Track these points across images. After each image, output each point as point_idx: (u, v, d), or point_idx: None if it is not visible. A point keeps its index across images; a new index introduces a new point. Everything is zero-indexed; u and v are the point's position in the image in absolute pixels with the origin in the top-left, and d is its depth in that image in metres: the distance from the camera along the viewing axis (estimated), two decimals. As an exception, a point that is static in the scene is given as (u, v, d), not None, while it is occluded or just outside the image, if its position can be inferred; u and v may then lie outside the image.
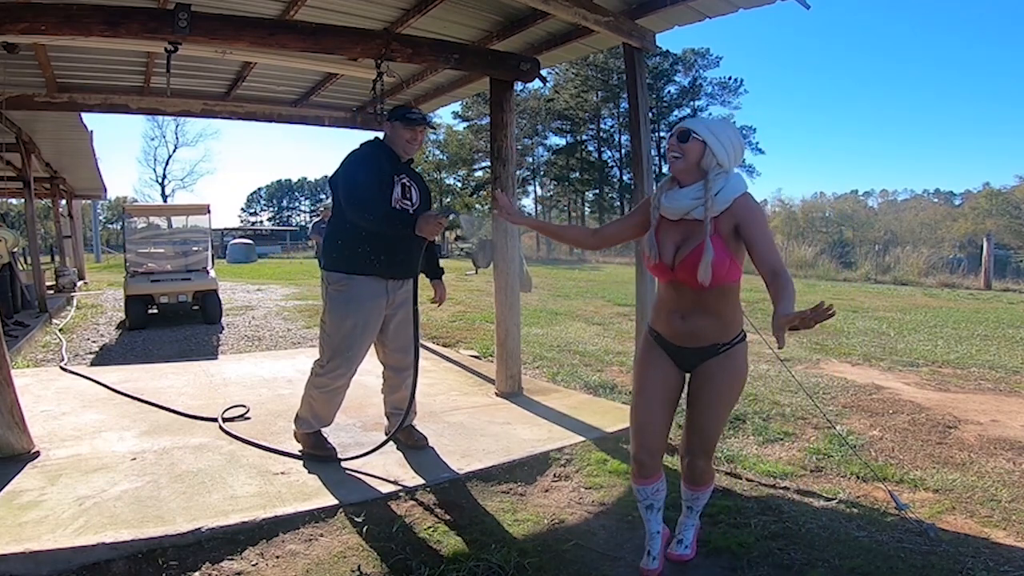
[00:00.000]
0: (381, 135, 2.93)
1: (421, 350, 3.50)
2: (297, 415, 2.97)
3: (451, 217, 3.11)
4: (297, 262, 24.33)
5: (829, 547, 2.19)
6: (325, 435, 2.96)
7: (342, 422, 3.21)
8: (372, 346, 2.96)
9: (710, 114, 36.88)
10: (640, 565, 2.07)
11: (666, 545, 2.15)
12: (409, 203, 2.82)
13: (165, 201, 39.34)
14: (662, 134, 36.80)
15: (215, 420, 3.40)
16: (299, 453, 2.94)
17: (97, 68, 4.48)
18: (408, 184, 2.84)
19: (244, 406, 3.64)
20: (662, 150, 38.30)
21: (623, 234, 2.13)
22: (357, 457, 2.85)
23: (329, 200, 3.07)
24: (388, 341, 2.95)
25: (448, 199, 40.76)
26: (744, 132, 36.90)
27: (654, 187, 2.59)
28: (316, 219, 5.56)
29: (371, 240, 2.72)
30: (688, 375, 2.00)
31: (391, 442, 3.01)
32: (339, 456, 2.88)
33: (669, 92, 36.58)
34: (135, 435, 3.21)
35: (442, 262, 3.37)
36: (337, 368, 2.80)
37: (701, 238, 1.80)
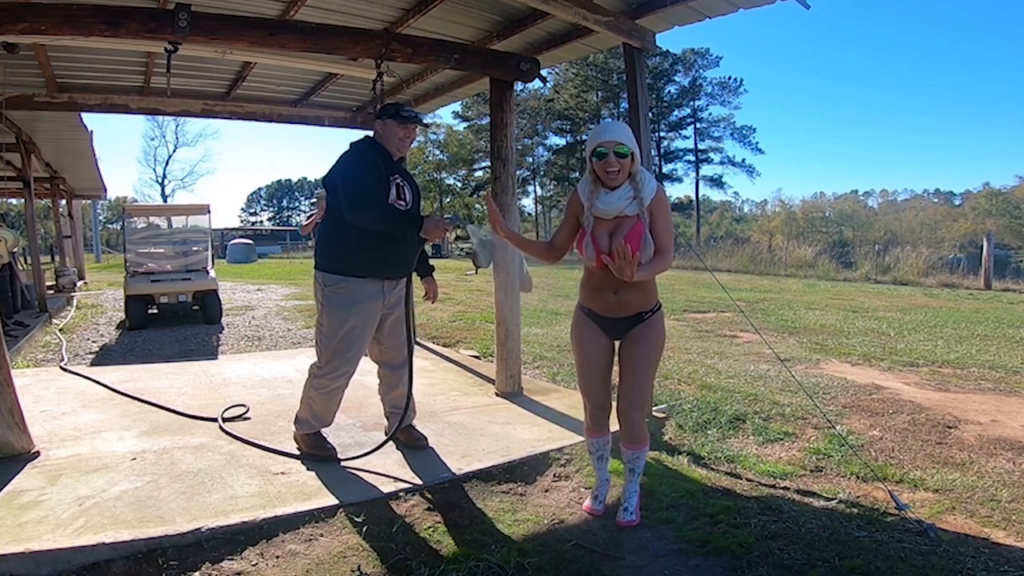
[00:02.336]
0: (371, 133, 2.90)
1: (421, 350, 3.51)
2: (297, 416, 2.97)
3: (457, 225, 3.11)
4: (297, 262, 24.30)
5: (829, 547, 2.19)
6: (325, 435, 2.96)
7: (342, 422, 3.21)
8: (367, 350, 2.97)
9: (710, 114, 37.03)
10: (586, 505, 2.51)
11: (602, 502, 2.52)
12: (404, 203, 2.80)
13: (165, 201, 39.35)
14: (662, 134, 36.89)
15: (215, 420, 3.40)
16: (299, 453, 2.94)
17: (97, 68, 4.48)
18: (401, 184, 2.82)
19: (244, 406, 3.64)
20: (662, 150, 38.31)
21: (569, 242, 2.38)
22: (357, 457, 2.85)
23: (323, 190, 3.04)
24: (383, 339, 2.94)
25: (448, 199, 40.77)
26: (744, 132, 36.98)
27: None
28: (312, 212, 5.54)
29: (370, 242, 2.70)
30: (617, 343, 2.38)
31: (391, 442, 3.01)
32: (339, 456, 2.88)
33: (669, 92, 36.60)
34: (135, 435, 3.21)
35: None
36: (336, 370, 2.80)
37: (629, 227, 2.20)
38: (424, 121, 2.94)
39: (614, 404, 2.43)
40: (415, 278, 3.22)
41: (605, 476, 2.55)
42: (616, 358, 2.41)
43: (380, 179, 2.72)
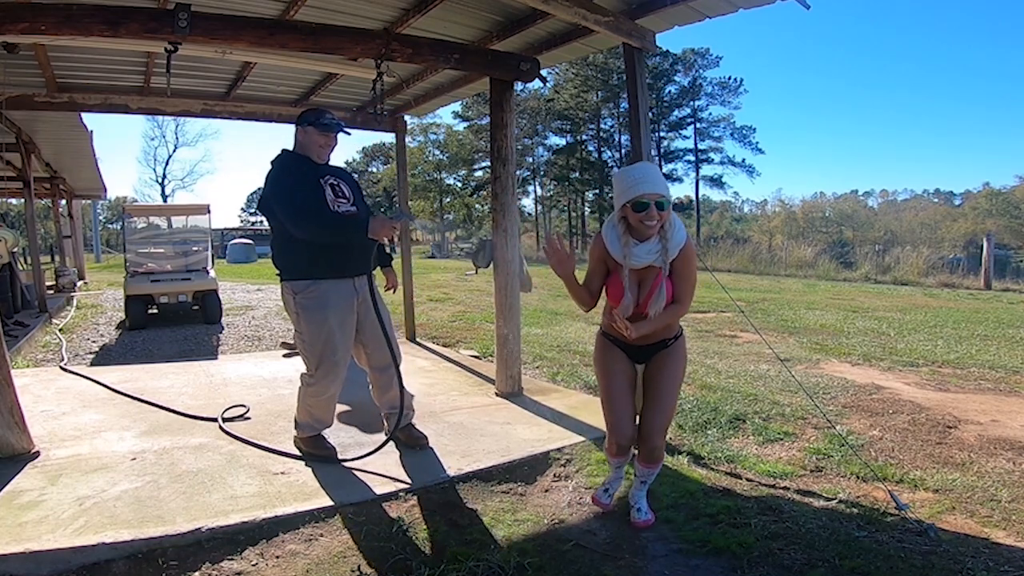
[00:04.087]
0: (291, 146, 2.85)
1: (421, 350, 3.51)
2: (296, 421, 2.96)
3: (404, 220, 3.07)
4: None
5: (829, 547, 2.19)
6: (325, 436, 2.96)
7: (342, 422, 3.22)
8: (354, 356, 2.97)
9: (710, 114, 37.00)
10: (594, 495, 2.53)
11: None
12: (345, 200, 2.78)
13: (165, 201, 39.33)
14: (662, 134, 36.86)
15: (215, 420, 3.40)
16: (299, 453, 2.94)
17: (97, 68, 4.48)
18: (336, 183, 2.80)
19: (244, 406, 3.64)
20: (662, 150, 38.24)
21: (601, 288, 2.33)
22: (358, 458, 2.85)
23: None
24: (365, 342, 2.93)
25: (448, 199, 40.74)
26: (744, 132, 36.93)
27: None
28: None
29: (324, 244, 2.68)
30: (640, 367, 2.35)
31: (391, 442, 3.02)
32: (339, 456, 2.88)
33: (669, 92, 36.55)
34: (135, 435, 3.21)
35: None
36: (327, 375, 2.78)
37: (654, 277, 2.19)
38: (345, 129, 2.87)
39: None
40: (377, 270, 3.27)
41: (620, 474, 2.53)
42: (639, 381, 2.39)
43: (312, 186, 2.69)
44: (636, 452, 2.41)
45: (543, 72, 4.11)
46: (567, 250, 2.20)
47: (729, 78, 36.41)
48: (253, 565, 2.09)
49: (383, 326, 2.82)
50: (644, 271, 2.21)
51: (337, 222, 2.68)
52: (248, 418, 3.51)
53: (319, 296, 2.73)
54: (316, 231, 2.60)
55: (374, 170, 46.56)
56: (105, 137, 28.64)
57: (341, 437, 3.12)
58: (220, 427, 3.29)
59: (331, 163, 2.91)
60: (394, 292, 3.43)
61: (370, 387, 3.09)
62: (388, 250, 3.55)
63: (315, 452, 2.89)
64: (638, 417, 2.36)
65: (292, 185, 2.66)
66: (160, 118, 38.60)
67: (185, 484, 2.58)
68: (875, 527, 2.36)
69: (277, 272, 2.84)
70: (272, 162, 2.79)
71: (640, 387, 2.36)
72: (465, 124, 38.24)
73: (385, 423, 3.13)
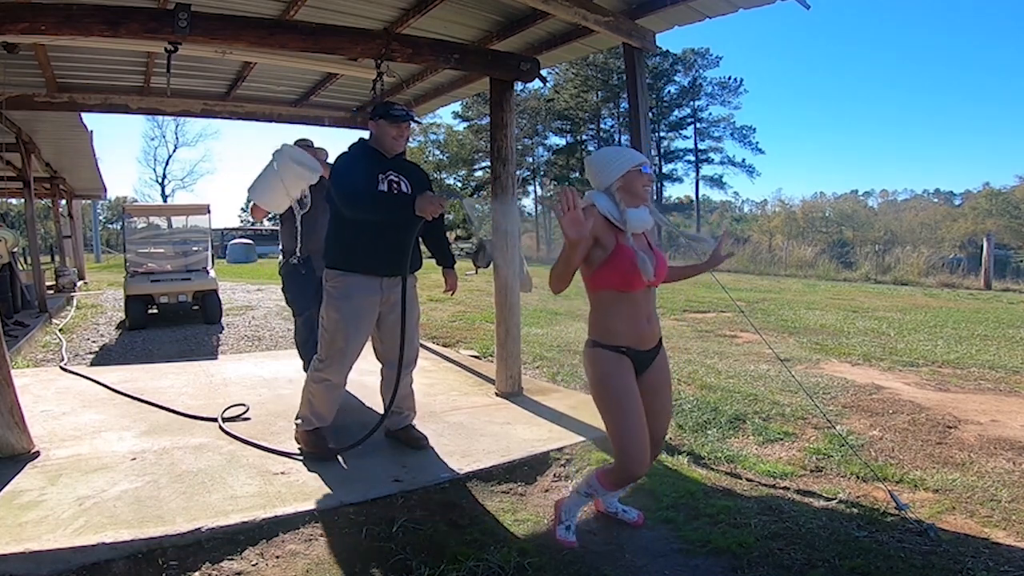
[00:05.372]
0: (367, 135, 2.94)
1: (421, 350, 3.51)
2: (298, 414, 2.98)
3: (452, 200, 3.05)
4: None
5: (829, 547, 2.19)
6: (325, 434, 2.96)
7: (343, 422, 3.21)
8: (371, 345, 2.98)
9: (710, 114, 36.99)
10: (560, 539, 2.25)
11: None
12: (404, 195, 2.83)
13: (165, 201, 39.32)
14: (662, 134, 36.85)
15: (215, 420, 3.40)
16: (299, 453, 2.94)
17: (97, 68, 4.48)
18: (396, 179, 2.84)
19: (244, 405, 3.64)
20: (662, 150, 38.20)
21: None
22: (352, 447, 2.85)
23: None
24: (384, 337, 2.96)
25: (448, 199, 40.66)
26: (744, 132, 36.93)
27: (653, 187, 2.60)
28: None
29: (368, 237, 2.73)
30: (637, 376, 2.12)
31: (391, 442, 3.01)
32: (338, 451, 2.89)
33: (669, 92, 36.55)
34: (135, 435, 3.21)
35: (433, 261, 3.37)
36: (332, 364, 2.83)
37: (646, 246, 2.14)
38: (415, 118, 2.95)
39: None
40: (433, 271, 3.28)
41: (584, 502, 2.35)
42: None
43: (368, 176, 2.76)
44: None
45: (543, 72, 4.11)
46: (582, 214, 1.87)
47: (729, 78, 36.43)
48: (253, 565, 2.09)
49: (403, 328, 2.83)
50: (639, 239, 2.15)
51: (382, 197, 2.75)
52: (248, 418, 3.51)
53: (341, 288, 2.80)
54: (362, 206, 2.67)
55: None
56: (105, 137, 28.62)
57: (342, 437, 3.11)
58: (220, 427, 3.29)
59: (404, 157, 2.99)
60: (452, 294, 3.39)
61: (380, 380, 3.10)
62: (458, 252, 3.55)
63: (315, 450, 2.90)
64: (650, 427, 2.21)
65: (348, 168, 2.78)
66: (160, 118, 38.59)
67: (185, 484, 2.58)
68: (875, 527, 2.36)
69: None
70: (349, 147, 2.92)
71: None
72: (465, 124, 38.22)
73: (389, 418, 3.11)
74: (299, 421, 2.97)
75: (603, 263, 2.05)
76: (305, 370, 3.69)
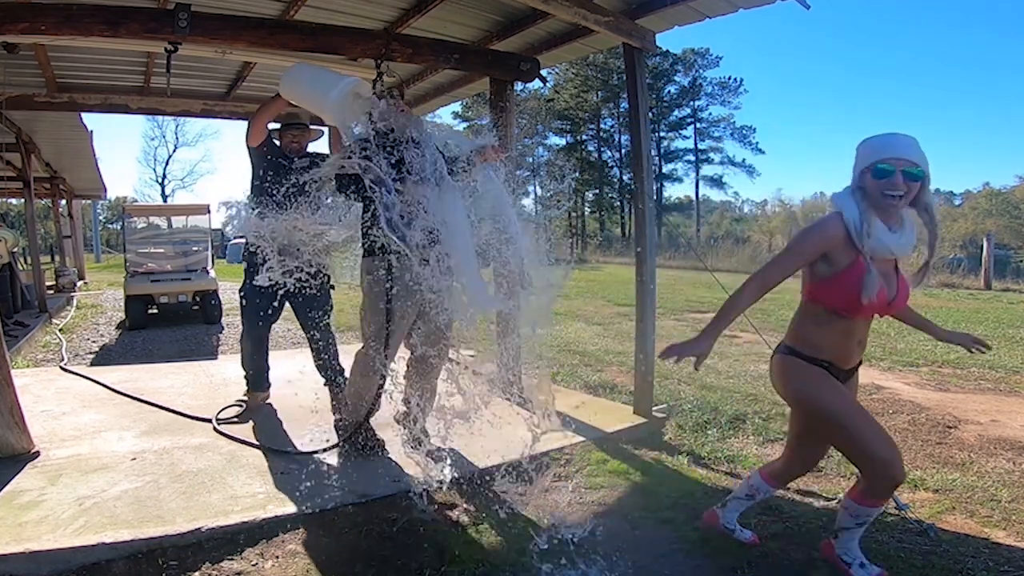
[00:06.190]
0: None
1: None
2: (340, 404, 2.94)
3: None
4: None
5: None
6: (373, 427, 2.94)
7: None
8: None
9: (710, 114, 36.95)
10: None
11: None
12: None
13: (165, 201, 39.31)
14: (662, 134, 36.85)
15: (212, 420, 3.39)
16: (298, 452, 2.94)
17: (97, 68, 4.48)
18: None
19: (240, 404, 3.63)
20: (662, 150, 38.11)
21: (785, 277, 1.84)
22: (332, 448, 2.87)
23: None
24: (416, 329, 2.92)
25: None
26: (744, 132, 36.94)
27: (652, 188, 2.55)
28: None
29: None
30: None
31: (391, 441, 3.01)
32: (385, 449, 2.89)
33: (669, 92, 36.57)
34: (135, 435, 3.21)
35: None
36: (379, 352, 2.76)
37: (892, 270, 1.84)
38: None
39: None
40: None
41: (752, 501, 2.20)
42: None
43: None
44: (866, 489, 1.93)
45: (543, 72, 4.11)
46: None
47: (729, 78, 36.46)
48: (253, 565, 2.08)
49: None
50: (886, 263, 1.81)
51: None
52: (245, 421, 3.50)
53: (382, 276, 2.74)
54: None
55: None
56: (105, 137, 28.51)
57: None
58: (214, 428, 3.29)
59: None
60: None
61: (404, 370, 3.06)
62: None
63: (355, 440, 2.87)
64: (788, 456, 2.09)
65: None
66: (160, 118, 38.56)
67: (185, 484, 2.58)
68: (875, 527, 2.36)
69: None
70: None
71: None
72: (465, 124, 38.21)
73: (403, 407, 3.06)
74: (343, 411, 2.94)
75: (829, 277, 1.79)
76: (245, 379, 3.67)
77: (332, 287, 3.67)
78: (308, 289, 3.23)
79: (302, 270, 3.14)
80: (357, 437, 2.90)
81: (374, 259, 2.78)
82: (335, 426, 2.97)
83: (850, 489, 1.99)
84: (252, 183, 3.47)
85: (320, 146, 3.84)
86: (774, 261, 1.83)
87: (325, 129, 3.75)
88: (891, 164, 1.70)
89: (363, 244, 2.83)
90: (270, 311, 3.47)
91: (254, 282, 3.20)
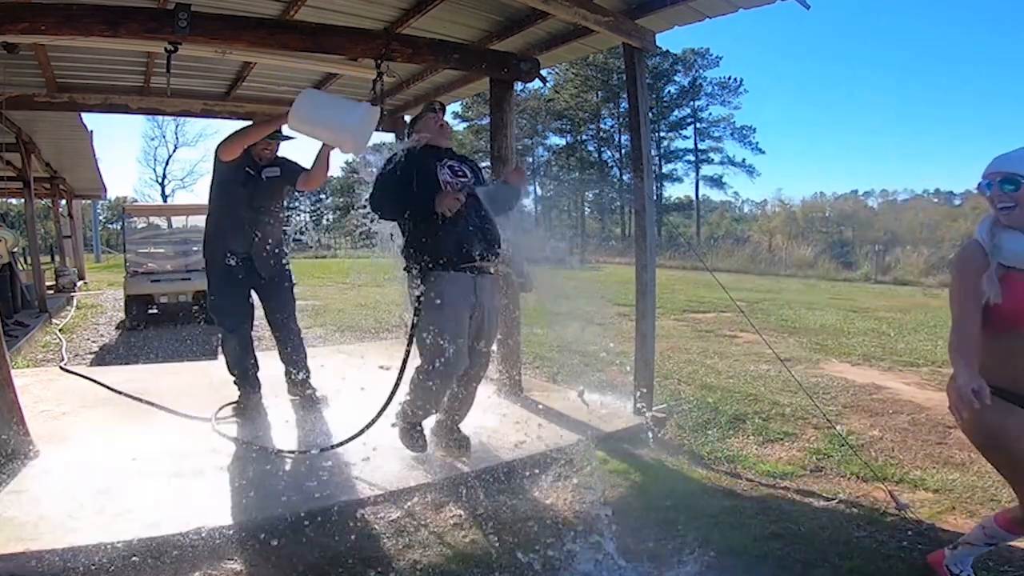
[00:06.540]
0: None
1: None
2: (399, 410, 2.89)
3: (467, 189, 2.91)
4: (295, 262, 24.30)
5: (829, 547, 2.19)
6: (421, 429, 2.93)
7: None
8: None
9: (710, 114, 36.95)
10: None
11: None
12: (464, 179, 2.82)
13: (165, 201, 39.30)
14: (662, 134, 36.86)
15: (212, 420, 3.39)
16: (298, 452, 2.94)
17: (97, 68, 4.48)
18: (457, 165, 2.86)
19: (239, 402, 3.63)
20: (662, 150, 38.13)
21: (974, 309, 1.87)
22: (334, 447, 2.85)
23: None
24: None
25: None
26: (744, 132, 36.94)
27: (652, 188, 2.54)
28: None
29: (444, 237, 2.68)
30: None
31: (390, 441, 3.01)
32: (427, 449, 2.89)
33: (669, 92, 36.57)
34: (135, 435, 3.20)
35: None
36: (440, 370, 2.72)
37: None
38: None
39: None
40: None
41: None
42: None
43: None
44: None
45: (543, 72, 4.11)
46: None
47: (729, 78, 36.45)
48: (253, 565, 2.09)
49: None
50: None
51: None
52: (245, 421, 3.50)
53: (439, 290, 2.69)
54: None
55: (374, 170, 46.49)
56: (105, 137, 28.38)
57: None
58: (214, 428, 3.29)
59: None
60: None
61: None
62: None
63: (405, 443, 2.87)
64: None
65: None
66: (160, 118, 38.51)
67: (185, 484, 2.58)
68: (875, 527, 2.36)
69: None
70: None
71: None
72: (465, 124, 38.22)
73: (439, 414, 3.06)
74: (399, 416, 2.90)
75: (997, 298, 1.77)
76: (235, 382, 3.68)
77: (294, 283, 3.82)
78: (271, 274, 3.50)
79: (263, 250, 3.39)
80: (411, 433, 2.89)
81: (436, 273, 2.70)
82: (399, 432, 2.92)
83: (999, 513, 1.95)
84: (219, 193, 3.52)
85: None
86: (952, 301, 1.92)
87: (294, 135, 3.77)
88: (988, 179, 1.79)
89: (423, 261, 2.70)
90: (243, 304, 3.57)
91: (226, 262, 3.41)
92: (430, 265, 2.70)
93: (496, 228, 2.80)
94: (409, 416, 2.88)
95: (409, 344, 2.84)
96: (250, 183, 3.46)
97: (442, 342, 2.66)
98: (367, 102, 3.20)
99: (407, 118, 6.27)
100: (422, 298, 2.70)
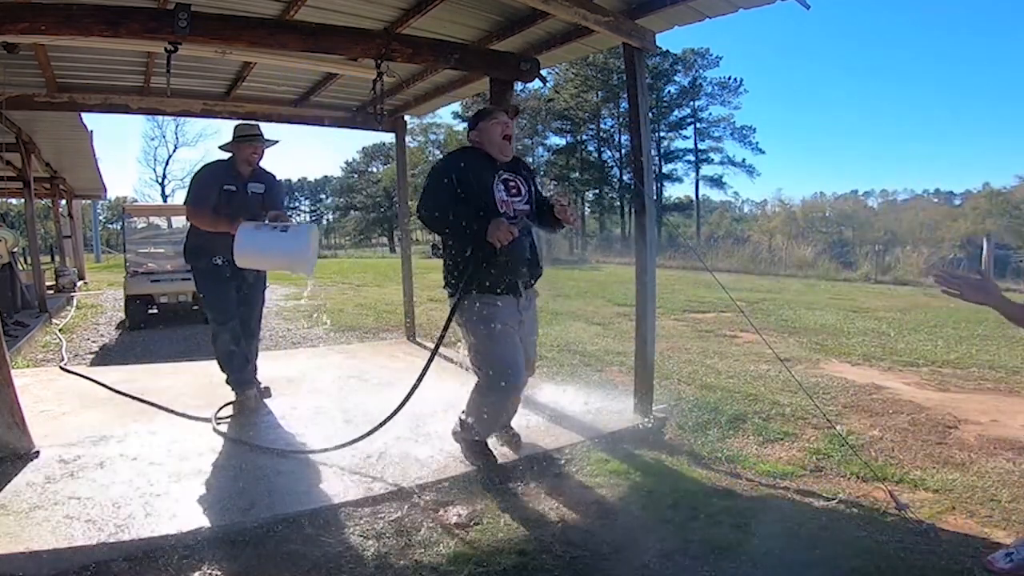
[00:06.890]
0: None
1: (420, 349, 3.51)
2: (463, 420, 2.88)
3: (524, 224, 2.78)
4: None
5: (829, 547, 2.19)
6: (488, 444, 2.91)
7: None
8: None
9: (710, 114, 36.92)
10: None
11: None
12: (518, 199, 2.79)
13: (165, 201, 39.28)
14: (662, 134, 36.84)
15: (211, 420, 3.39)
16: (298, 452, 2.94)
17: (97, 68, 4.48)
18: (512, 179, 2.81)
19: (239, 402, 3.63)
20: (662, 150, 38.14)
21: None
22: (342, 446, 2.84)
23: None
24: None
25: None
26: (744, 132, 36.91)
27: (652, 188, 2.55)
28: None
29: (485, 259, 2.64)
30: None
31: (392, 440, 3.01)
32: (499, 463, 2.85)
33: (669, 92, 36.54)
34: (135, 435, 3.20)
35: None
36: (500, 385, 2.73)
37: None
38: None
39: None
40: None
41: None
42: None
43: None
44: None
45: (543, 72, 4.11)
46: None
47: (729, 78, 36.43)
48: (253, 565, 2.08)
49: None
50: None
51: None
52: (245, 420, 3.50)
53: (491, 313, 2.70)
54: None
55: (374, 170, 46.45)
56: (105, 137, 28.42)
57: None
58: (214, 428, 3.29)
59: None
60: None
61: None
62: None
63: (475, 458, 2.83)
64: None
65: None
66: (160, 118, 38.52)
67: (184, 484, 2.59)
68: (875, 527, 2.36)
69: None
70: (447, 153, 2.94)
71: None
72: (465, 124, 38.22)
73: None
74: (465, 429, 2.87)
75: None
76: (229, 383, 3.65)
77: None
78: (254, 277, 3.61)
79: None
80: (483, 450, 2.86)
81: (488, 297, 2.71)
82: (463, 447, 2.90)
83: None
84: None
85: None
86: None
87: (278, 140, 3.77)
88: None
89: (475, 284, 2.68)
90: (233, 298, 3.59)
91: (212, 261, 3.48)
92: (482, 290, 2.70)
93: (539, 252, 2.85)
94: (475, 432, 2.85)
95: (433, 353, 2.87)
96: (234, 199, 3.48)
97: (504, 364, 2.69)
98: (305, 223, 3.22)
99: (407, 119, 6.31)
100: (474, 318, 2.72)
